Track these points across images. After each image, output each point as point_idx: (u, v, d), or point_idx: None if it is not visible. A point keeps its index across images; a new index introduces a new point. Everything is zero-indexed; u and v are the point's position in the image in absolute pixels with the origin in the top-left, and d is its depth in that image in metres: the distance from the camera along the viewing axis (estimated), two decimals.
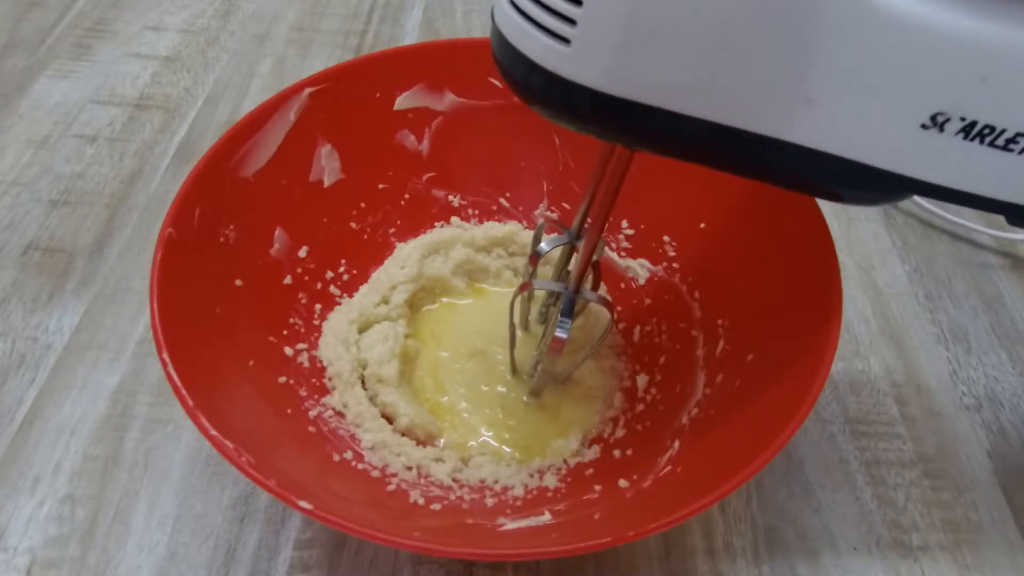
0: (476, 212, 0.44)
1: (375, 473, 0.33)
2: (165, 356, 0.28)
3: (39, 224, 0.47)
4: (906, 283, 0.46)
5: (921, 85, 0.21)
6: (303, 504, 0.25)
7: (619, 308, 0.41)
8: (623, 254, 0.42)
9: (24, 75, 0.56)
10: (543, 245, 0.35)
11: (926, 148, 0.22)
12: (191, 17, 0.63)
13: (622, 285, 0.42)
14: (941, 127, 0.21)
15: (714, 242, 0.38)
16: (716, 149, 0.22)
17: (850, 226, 0.50)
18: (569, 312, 0.32)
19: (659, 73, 0.21)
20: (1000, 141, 0.22)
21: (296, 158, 0.38)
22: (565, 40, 0.20)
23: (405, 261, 0.41)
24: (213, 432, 0.26)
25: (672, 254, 0.40)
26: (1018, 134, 0.22)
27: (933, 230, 0.50)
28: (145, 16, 0.62)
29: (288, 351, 0.36)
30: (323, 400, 0.36)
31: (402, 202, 0.42)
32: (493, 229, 0.43)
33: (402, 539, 0.24)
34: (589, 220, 0.30)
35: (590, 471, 0.34)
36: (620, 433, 0.36)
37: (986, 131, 0.22)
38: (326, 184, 0.40)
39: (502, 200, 0.44)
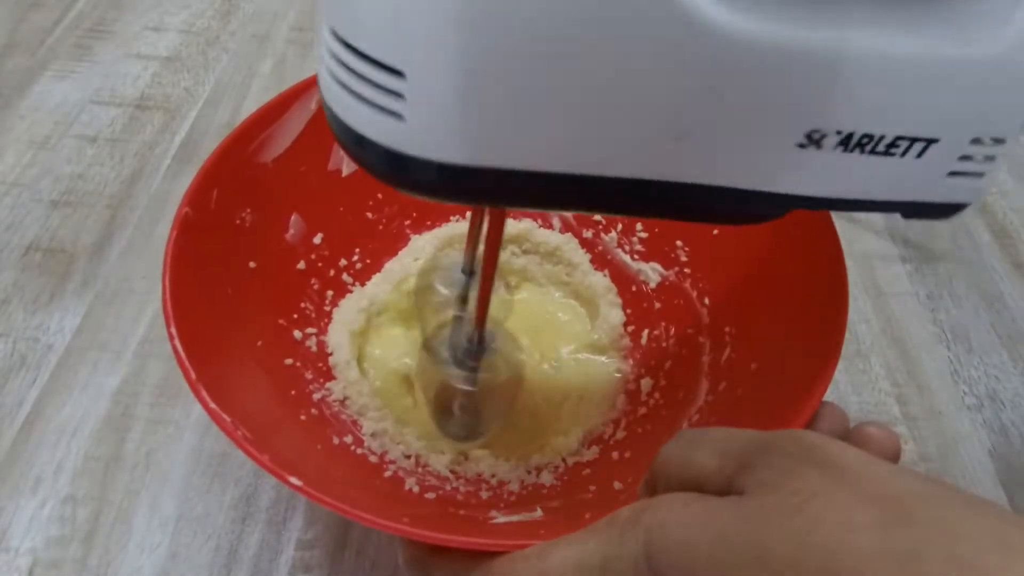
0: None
1: (373, 459, 0.33)
2: (172, 330, 0.28)
3: (40, 225, 0.47)
4: (907, 283, 0.46)
5: (788, 107, 0.20)
6: (293, 480, 0.25)
7: (629, 311, 0.41)
8: (636, 257, 0.42)
9: (24, 76, 0.56)
10: (443, 290, 0.33)
11: (807, 165, 0.21)
12: (191, 17, 0.63)
13: (633, 288, 0.42)
14: (818, 144, 0.21)
15: (726, 248, 0.38)
16: (586, 199, 0.21)
17: (850, 226, 0.50)
18: (473, 363, 0.31)
19: (508, 136, 0.19)
20: (880, 148, 0.21)
21: (315, 146, 0.38)
22: (398, 115, 0.19)
23: (419, 253, 0.41)
24: (212, 405, 0.26)
25: (684, 259, 0.40)
26: (897, 138, 0.21)
27: (934, 230, 0.50)
28: (145, 16, 0.62)
29: (297, 334, 0.37)
30: (328, 384, 0.36)
31: None
32: (507, 226, 0.43)
33: (388, 522, 0.24)
34: (481, 269, 0.27)
35: (587, 471, 0.34)
36: (620, 435, 0.36)
37: (864, 140, 0.21)
38: (344, 173, 0.40)
39: None
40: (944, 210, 0.24)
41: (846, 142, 0.21)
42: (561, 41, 0.17)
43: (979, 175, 0.23)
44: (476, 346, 0.31)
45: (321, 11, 0.19)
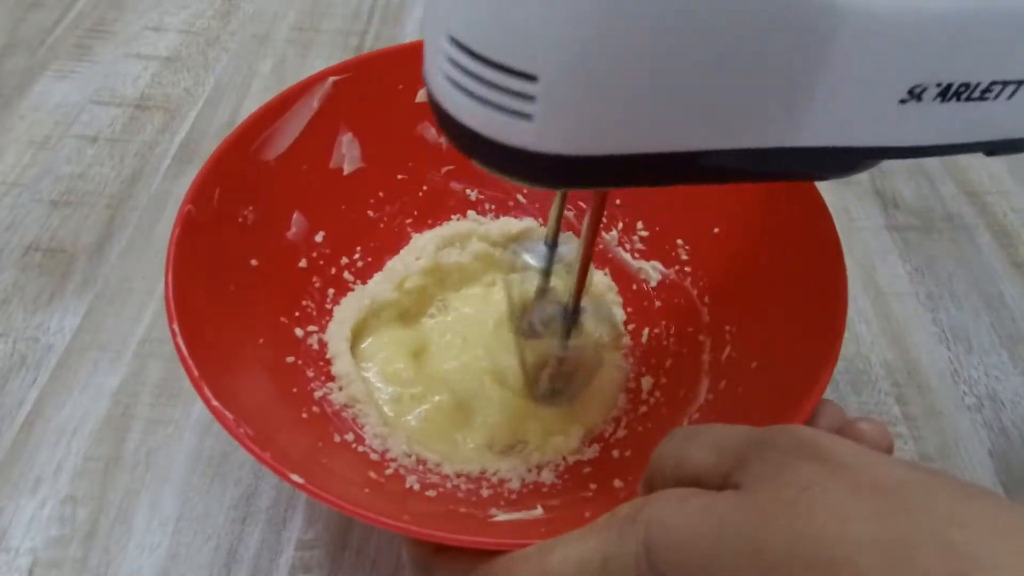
0: (493, 207, 0.44)
1: (374, 456, 0.34)
2: (175, 327, 0.28)
3: (40, 225, 0.46)
4: (907, 283, 0.46)
5: (897, 68, 0.21)
6: (294, 477, 0.25)
7: (629, 309, 0.41)
8: (636, 255, 0.42)
9: (24, 76, 0.56)
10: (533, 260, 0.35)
11: (906, 118, 0.22)
12: (191, 17, 0.63)
13: (634, 287, 0.42)
14: (919, 97, 0.22)
15: (727, 247, 0.38)
16: (699, 172, 0.22)
17: (851, 225, 0.50)
18: (567, 332, 0.32)
19: (635, 123, 0.20)
20: (976, 94, 0.22)
21: (317, 145, 0.38)
22: (526, 116, 0.19)
23: (420, 252, 0.41)
24: (215, 403, 0.26)
25: (685, 257, 0.40)
26: (992, 83, 0.22)
27: (934, 229, 0.50)
28: (145, 16, 0.62)
29: (299, 332, 0.37)
30: (329, 383, 0.36)
31: (420, 193, 0.43)
32: (509, 224, 0.43)
33: (388, 519, 0.24)
34: (583, 246, 0.29)
35: (588, 469, 0.34)
36: (621, 433, 0.36)
37: (961, 89, 0.22)
38: (346, 172, 0.40)
39: (519, 196, 0.44)
40: (1022, 144, 0.25)
41: (944, 93, 0.22)
42: (689, 27, 0.18)
43: None
44: (572, 314, 0.32)
45: (437, 18, 0.20)
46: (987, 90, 0.22)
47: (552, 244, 0.34)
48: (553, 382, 0.36)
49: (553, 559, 0.22)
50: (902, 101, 0.21)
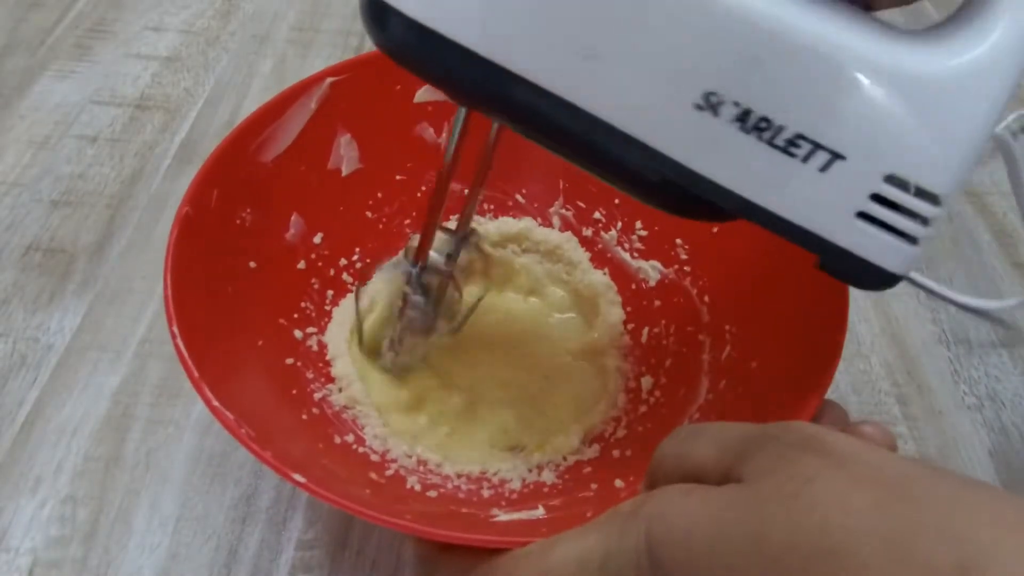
0: (491, 207, 0.44)
1: (375, 457, 0.34)
2: (175, 329, 0.28)
3: (40, 225, 0.46)
4: (907, 283, 0.46)
5: (694, 56, 0.20)
6: (297, 477, 0.25)
7: (629, 309, 0.41)
8: (636, 255, 0.42)
9: (24, 76, 0.56)
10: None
11: (702, 133, 0.21)
12: (191, 17, 0.63)
13: (633, 286, 0.42)
14: (715, 110, 0.20)
15: (726, 246, 0.38)
16: (502, 100, 0.22)
17: None
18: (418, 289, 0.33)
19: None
20: (779, 141, 0.20)
21: (315, 146, 0.38)
22: None
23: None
24: (215, 403, 0.26)
25: (684, 257, 0.40)
26: (799, 136, 0.20)
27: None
28: (145, 16, 0.62)
29: (298, 334, 0.37)
30: (329, 384, 0.36)
31: (418, 194, 0.43)
32: (507, 225, 0.43)
33: (390, 518, 0.24)
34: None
35: (588, 469, 0.34)
36: (621, 433, 0.36)
37: (762, 124, 0.20)
38: (344, 173, 0.40)
39: (518, 196, 0.44)
40: (864, 270, 0.22)
41: (743, 119, 0.20)
42: None
43: (905, 237, 0.21)
44: (460, 239, 0.34)
45: None
46: (793, 142, 0.20)
47: (421, 266, 0.34)
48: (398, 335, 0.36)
49: (555, 556, 0.22)
50: (698, 107, 0.20)
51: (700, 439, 0.21)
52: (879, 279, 0.22)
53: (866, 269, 0.22)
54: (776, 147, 0.21)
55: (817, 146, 0.20)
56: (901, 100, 0.20)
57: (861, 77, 0.20)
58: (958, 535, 0.15)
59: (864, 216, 0.21)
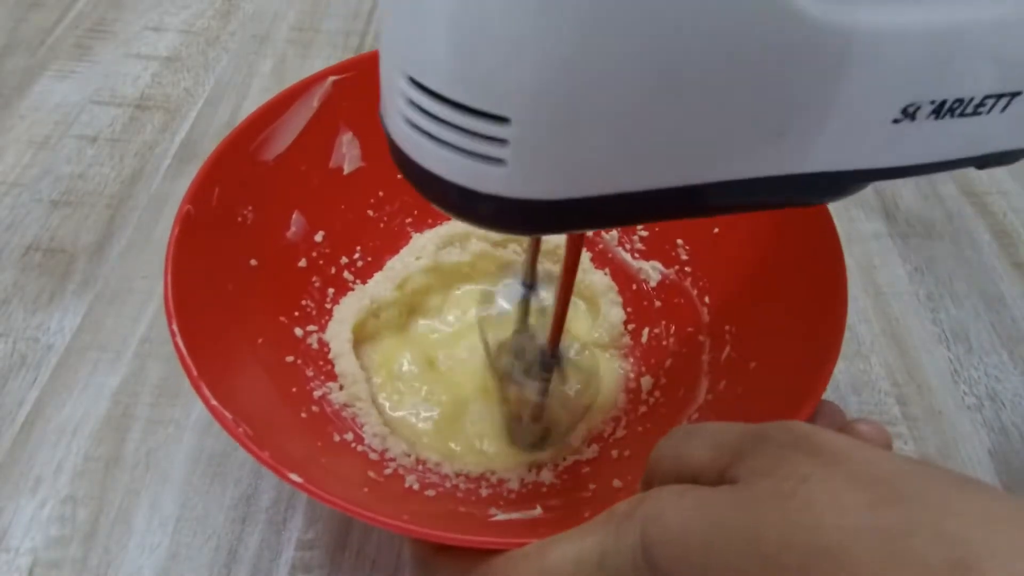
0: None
1: (373, 456, 0.34)
2: (174, 327, 0.28)
3: (40, 225, 0.47)
4: (907, 283, 0.46)
5: (887, 88, 0.20)
6: (293, 477, 0.25)
7: (629, 309, 0.41)
8: (636, 255, 0.42)
9: (24, 76, 0.56)
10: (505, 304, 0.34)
11: (900, 138, 0.21)
12: (191, 17, 0.63)
13: (633, 286, 0.42)
14: (912, 116, 0.21)
15: (727, 248, 0.38)
16: (683, 207, 0.21)
17: (851, 226, 0.50)
18: (547, 375, 0.31)
19: (619, 162, 0.18)
20: (969, 109, 0.21)
21: (317, 144, 0.38)
22: (499, 161, 0.18)
23: (420, 252, 0.41)
24: (213, 402, 0.26)
25: (685, 257, 0.40)
26: (985, 97, 0.21)
27: (934, 230, 0.50)
28: (145, 16, 0.62)
29: (298, 332, 0.37)
30: (329, 383, 0.36)
31: None
32: None
33: (386, 519, 0.24)
34: (560, 287, 0.27)
35: (587, 469, 0.34)
36: (621, 433, 0.36)
37: (955, 105, 0.21)
38: (346, 171, 0.40)
39: None
40: (1016, 156, 0.24)
41: (938, 110, 0.21)
42: (672, 60, 0.17)
43: None
44: (550, 359, 0.31)
45: (393, 55, 0.18)
46: (981, 104, 0.22)
47: (530, 284, 0.33)
48: (534, 431, 0.35)
49: (551, 557, 0.22)
50: (895, 121, 0.21)
51: (696, 440, 0.21)
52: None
53: (1018, 155, 0.24)
54: (966, 115, 0.22)
55: (999, 96, 0.22)
56: None
57: (1012, 30, 0.21)
58: (952, 534, 0.15)
59: None
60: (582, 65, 0.16)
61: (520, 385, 0.33)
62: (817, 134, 0.20)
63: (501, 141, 0.17)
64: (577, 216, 0.19)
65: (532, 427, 0.35)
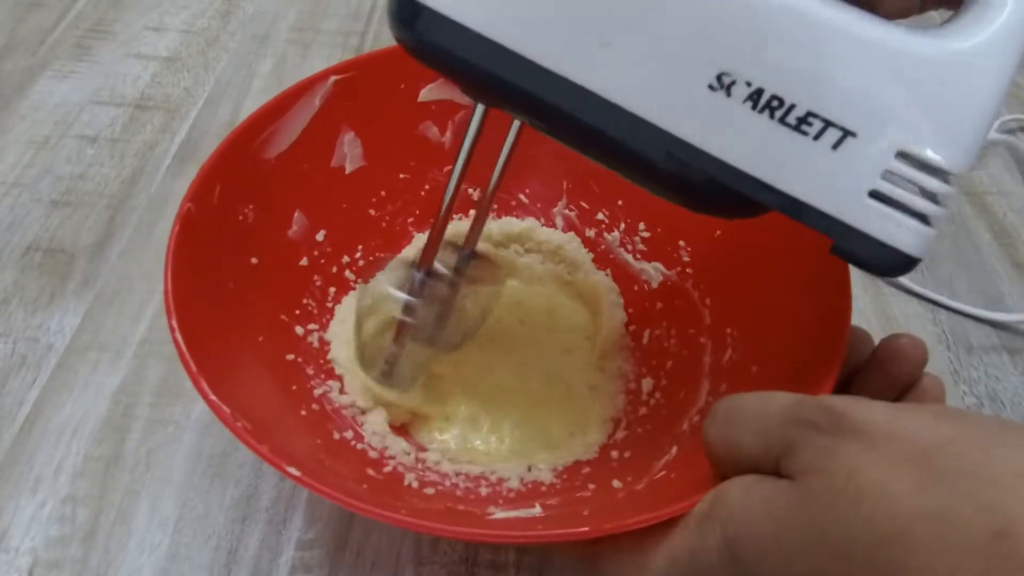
0: (495, 207, 0.44)
1: (373, 454, 0.34)
2: (174, 322, 0.28)
3: (40, 225, 0.46)
4: (907, 283, 0.46)
5: (705, 37, 0.21)
6: (291, 470, 0.25)
7: (630, 310, 0.41)
8: (638, 256, 0.42)
9: (24, 76, 0.56)
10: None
11: (716, 113, 0.21)
12: (191, 17, 0.63)
13: (635, 288, 0.42)
14: (728, 90, 0.21)
15: (729, 250, 0.38)
16: (513, 89, 0.23)
17: None
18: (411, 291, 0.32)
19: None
20: (791, 119, 0.21)
21: (319, 143, 0.39)
22: None
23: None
24: (212, 397, 0.26)
25: (686, 259, 0.40)
26: (810, 113, 0.21)
27: None
28: (145, 16, 0.62)
29: (299, 330, 0.37)
30: (329, 381, 0.36)
31: (422, 192, 0.43)
32: (510, 224, 0.43)
33: (385, 512, 0.24)
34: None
35: (586, 470, 0.34)
36: (621, 435, 0.36)
37: (774, 103, 0.21)
38: (347, 171, 0.40)
39: (521, 196, 0.44)
40: (878, 253, 0.22)
41: (755, 98, 0.21)
42: None
43: (918, 216, 0.21)
44: (466, 257, 0.34)
45: None
46: (804, 120, 0.21)
47: (427, 271, 0.32)
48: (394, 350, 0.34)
49: (647, 557, 0.24)
50: (711, 87, 0.21)
51: (741, 427, 0.24)
52: (893, 262, 0.22)
53: (880, 251, 0.22)
54: (788, 126, 0.21)
55: (828, 123, 0.21)
56: (909, 78, 0.21)
57: (870, 56, 0.21)
58: (989, 504, 0.17)
59: (877, 196, 0.22)
60: None
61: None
62: (640, 64, 0.21)
63: None
64: (449, 50, 0.22)
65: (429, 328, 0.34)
